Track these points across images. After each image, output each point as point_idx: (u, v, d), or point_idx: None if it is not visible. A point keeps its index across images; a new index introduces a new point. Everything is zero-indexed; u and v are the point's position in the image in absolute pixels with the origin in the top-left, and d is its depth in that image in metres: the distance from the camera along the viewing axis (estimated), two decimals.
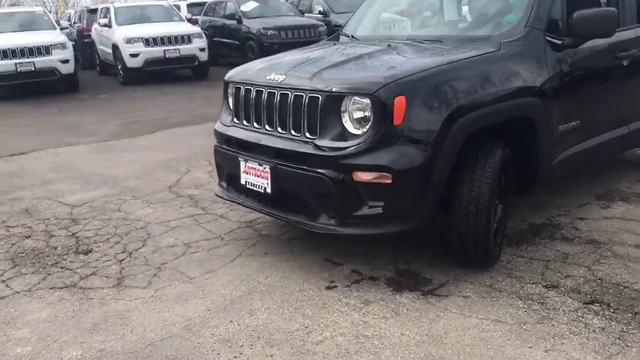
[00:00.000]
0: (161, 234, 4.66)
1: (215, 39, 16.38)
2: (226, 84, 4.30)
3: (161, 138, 8.37)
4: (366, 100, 3.38)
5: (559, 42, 3.99)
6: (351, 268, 3.85)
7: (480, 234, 3.51)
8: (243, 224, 4.73)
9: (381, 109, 3.30)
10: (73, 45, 13.63)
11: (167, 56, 13.78)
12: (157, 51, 13.74)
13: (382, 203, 3.37)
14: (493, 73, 3.63)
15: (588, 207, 4.76)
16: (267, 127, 3.82)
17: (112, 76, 15.40)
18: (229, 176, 4.16)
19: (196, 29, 14.64)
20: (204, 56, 14.24)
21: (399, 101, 3.29)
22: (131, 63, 13.78)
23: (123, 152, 7.54)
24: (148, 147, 7.78)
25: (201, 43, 14.16)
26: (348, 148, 3.36)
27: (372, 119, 3.35)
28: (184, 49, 13.89)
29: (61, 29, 14.64)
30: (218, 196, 4.31)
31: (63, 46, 12.81)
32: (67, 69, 12.85)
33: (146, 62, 13.73)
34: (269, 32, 14.63)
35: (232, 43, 15.87)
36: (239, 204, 4.12)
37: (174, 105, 11.14)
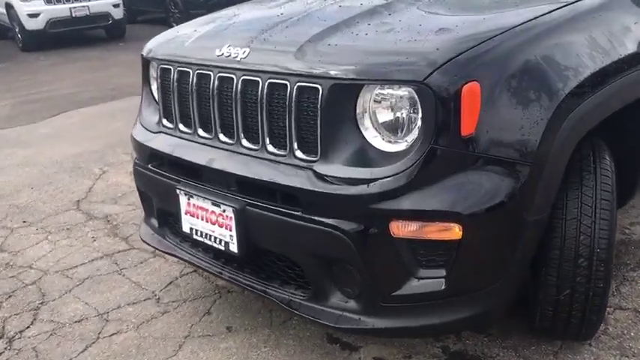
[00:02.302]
0: (62, 295, 3.05)
1: None
2: (146, 62, 2.67)
3: (67, 122, 6.54)
4: (407, 93, 1.87)
5: None
6: (372, 355, 2.41)
7: (596, 297, 2.12)
8: (188, 269, 3.17)
9: (438, 107, 1.80)
10: None
11: (74, 15, 11.87)
12: (62, 9, 11.80)
13: (444, 273, 1.91)
14: (601, 32, 2.17)
15: None
16: (222, 136, 2.26)
17: (11, 40, 13.10)
18: (162, 214, 2.58)
19: None
20: (118, 13, 12.39)
21: (470, 91, 1.80)
22: (30, 25, 11.71)
23: (14, 147, 5.71)
24: (49, 137, 5.97)
25: None
26: (376, 180, 1.86)
27: (419, 126, 1.86)
28: (94, 5, 12.03)
29: None
30: (145, 242, 2.72)
31: None
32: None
33: (49, 23, 11.73)
34: None
35: None
36: (182, 259, 2.56)
37: (84, 74, 9.18)
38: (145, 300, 2.95)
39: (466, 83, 1.79)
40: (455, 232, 1.84)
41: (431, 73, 1.79)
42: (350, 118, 1.95)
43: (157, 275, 3.16)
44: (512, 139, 1.84)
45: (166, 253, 2.60)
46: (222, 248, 2.22)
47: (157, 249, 2.64)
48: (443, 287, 1.91)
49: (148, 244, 2.70)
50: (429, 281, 1.92)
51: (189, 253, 2.47)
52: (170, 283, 3.08)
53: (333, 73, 1.91)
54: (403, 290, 1.93)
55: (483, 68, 1.84)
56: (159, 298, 2.95)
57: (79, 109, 7.08)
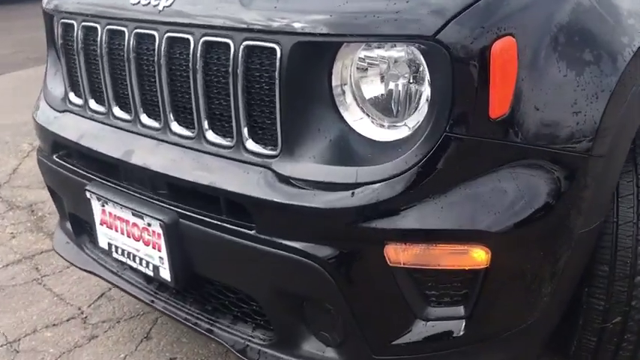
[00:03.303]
0: None
1: None
2: (48, 16, 1.98)
3: None
4: (407, 54, 1.27)
5: None
6: None
7: None
8: None
9: (456, 76, 1.19)
10: None
11: None
12: None
13: (462, 312, 1.34)
14: None
15: None
16: (144, 118, 1.62)
17: None
18: (76, 220, 1.95)
19: None
20: None
21: (504, 51, 1.19)
22: None
23: None
24: None
25: None
26: (364, 185, 1.25)
27: (427, 104, 1.25)
28: None
29: None
30: (59, 254, 2.08)
31: None
32: None
33: None
34: None
35: None
36: (103, 279, 1.93)
37: (20, 34, 8.24)
38: (68, 320, 2.33)
39: (498, 38, 1.18)
40: (480, 257, 1.27)
41: (445, 24, 1.17)
42: (323, 93, 1.33)
43: (85, 285, 2.53)
44: (562, 121, 1.25)
45: (85, 270, 1.97)
46: (151, 273, 1.61)
47: (74, 265, 2.01)
48: (462, 332, 1.34)
49: (63, 258, 2.07)
50: (442, 324, 1.35)
51: (114, 273, 1.85)
52: (101, 295, 2.46)
53: (296, 26, 1.28)
54: (405, 338, 1.36)
55: (521, 16, 1.22)
56: (86, 317, 2.34)
57: (13, 72, 6.26)
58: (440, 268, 1.28)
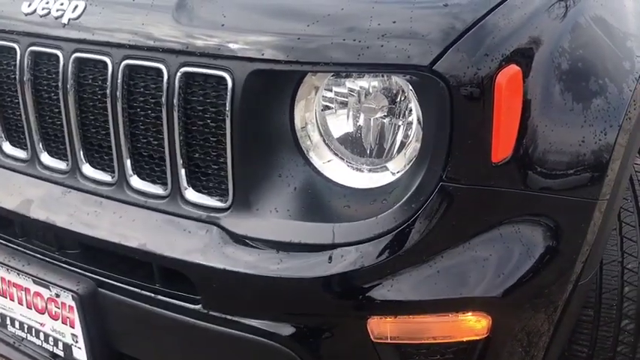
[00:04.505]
0: None
1: None
2: None
3: None
4: (390, 84, 1.03)
5: None
6: None
7: None
8: None
9: (455, 112, 0.97)
10: None
11: None
12: None
13: None
14: None
15: None
16: (45, 157, 1.28)
17: None
18: None
19: None
20: None
21: (510, 83, 0.98)
22: None
23: None
24: None
25: None
26: (342, 246, 1.01)
27: (416, 144, 1.03)
28: None
29: None
30: None
31: None
32: None
33: None
34: None
35: None
36: None
37: None
38: None
39: (502, 67, 0.97)
40: (480, 326, 1.06)
41: (444, 51, 0.95)
42: (284, 131, 1.07)
43: None
44: (569, 162, 1.06)
45: None
46: (61, 353, 1.27)
47: None
48: None
49: None
50: None
51: (8, 345, 1.48)
52: None
53: (249, 50, 1.01)
54: None
55: (525, 39, 1.02)
56: None
57: None
58: (433, 341, 1.06)
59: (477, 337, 1.06)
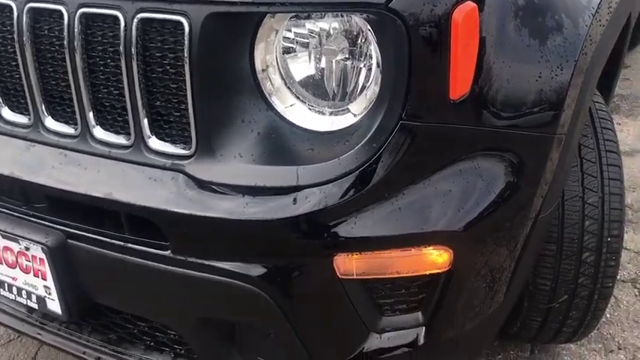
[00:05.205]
0: None
1: None
2: None
3: None
4: (349, 25, 1.03)
5: None
6: None
7: (602, 300, 1.52)
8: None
9: (413, 51, 0.97)
10: None
11: None
12: None
13: (421, 319, 1.17)
14: None
15: None
16: (4, 112, 1.27)
17: None
18: None
19: None
20: None
21: (466, 20, 0.99)
22: None
23: None
24: None
25: None
26: (306, 188, 1.02)
27: (376, 85, 1.04)
28: None
29: None
30: None
31: None
32: None
33: None
34: None
35: None
36: None
37: None
38: None
39: (458, 3, 0.98)
40: (443, 259, 1.09)
41: None
42: (245, 76, 1.07)
43: None
44: (526, 98, 1.08)
45: None
46: (35, 306, 1.29)
47: None
48: (421, 341, 1.18)
49: None
50: (399, 334, 1.18)
51: None
52: None
53: None
54: (358, 355, 1.17)
55: None
56: None
57: None
58: (397, 275, 1.10)
59: (440, 271, 1.10)
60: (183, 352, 1.29)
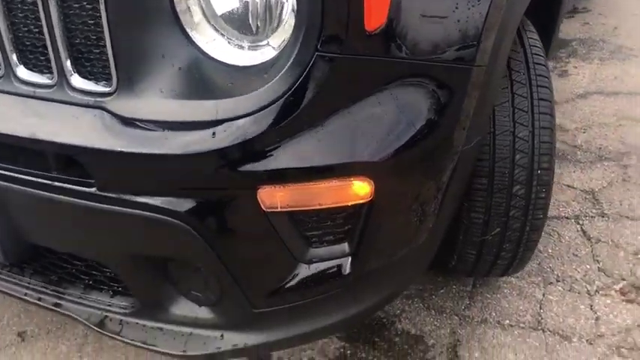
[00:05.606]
0: None
1: None
2: None
3: None
4: None
5: None
6: None
7: (534, 231, 1.58)
8: None
9: None
10: None
11: None
12: None
13: (347, 249, 1.21)
14: None
15: None
16: None
17: None
18: None
19: None
20: None
21: None
22: None
23: None
24: None
25: None
26: (226, 121, 1.04)
27: (291, 19, 1.04)
28: None
29: None
30: None
31: None
32: None
33: None
34: None
35: None
36: None
37: None
38: None
39: None
40: (364, 190, 1.13)
41: None
42: (163, 10, 1.07)
43: None
44: (442, 30, 1.10)
45: None
46: None
47: None
48: (348, 270, 1.22)
49: None
50: (327, 264, 1.22)
51: None
52: None
53: None
54: (288, 285, 1.21)
55: None
56: None
57: None
58: (321, 207, 1.13)
59: (362, 201, 1.13)
60: (120, 289, 1.32)
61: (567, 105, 2.96)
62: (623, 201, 2.24)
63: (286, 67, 1.03)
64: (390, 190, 1.16)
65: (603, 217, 2.16)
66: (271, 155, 1.05)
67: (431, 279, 1.90)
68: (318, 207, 1.12)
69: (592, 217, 2.17)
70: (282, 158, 1.05)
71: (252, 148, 1.04)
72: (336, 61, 1.03)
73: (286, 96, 1.03)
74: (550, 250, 2.02)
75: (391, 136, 1.10)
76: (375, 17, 1.02)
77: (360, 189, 1.12)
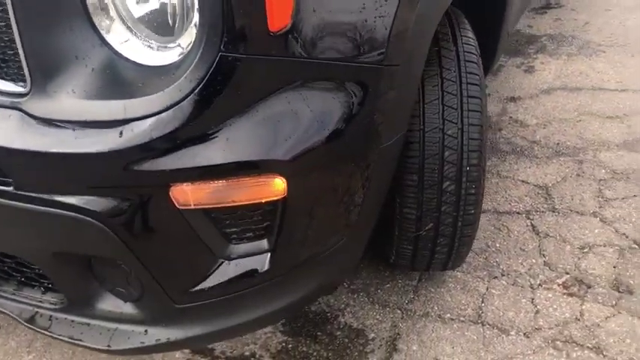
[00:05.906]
0: None
1: None
2: None
3: None
4: None
5: None
6: None
7: (467, 226, 1.61)
8: None
9: None
10: None
11: None
12: None
13: (266, 246, 1.23)
14: None
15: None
16: None
17: None
18: None
19: None
20: None
21: None
22: None
23: None
24: None
25: None
26: (133, 121, 1.06)
27: (196, 21, 1.07)
28: None
29: None
30: None
31: None
32: None
33: None
34: None
35: None
36: None
37: None
38: None
39: None
40: (277, 188, 1.15)
41: None
42: (75, 10, 1.09)
43: None
44: (349, 30, 1.12)
45: None
46: None
47: None
48: (267, 266, 1.25)
49: None
50: (247, 261, 1.24)
51: None
52: None
53: None
54: (208, 281, 1.24)
55: None
56: None
57: None
58: (235, 204, 1.15)
59: (276, 198, 1.16)
60: (50, 285, 1.34)
61: (530, 101, 2.98)
62: (574, 196, 2.27)
63: (191, 67, 1.05)
64: (304, 188, 1.18)
65: (554, 212, 2.19)
66: (179, 153, 1.07)
67: (378, 273, 1.93)
68: (232, 204, 1.15)
69: (542, 212, 2.19)
70: (190, 156, 1.08)
71: (159, 147, 1.06)
72: (240, 61, 1.05)
73: (191, 95, 1.05)
74: (498, 245, 2.05)
75: (301, 134, 1.13)
76: (277, 19, 1.05)
77: (273, 186, 1.14)
